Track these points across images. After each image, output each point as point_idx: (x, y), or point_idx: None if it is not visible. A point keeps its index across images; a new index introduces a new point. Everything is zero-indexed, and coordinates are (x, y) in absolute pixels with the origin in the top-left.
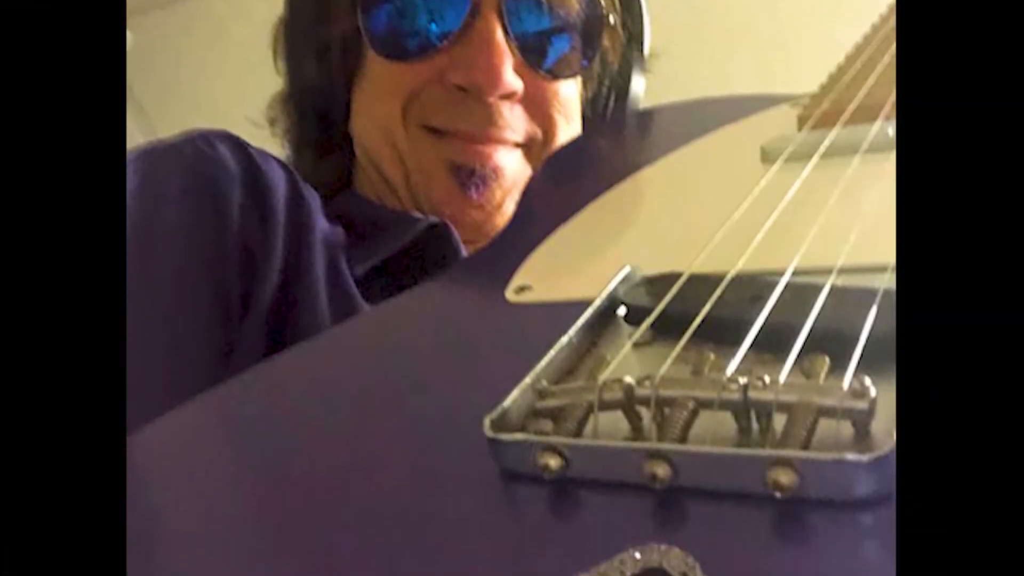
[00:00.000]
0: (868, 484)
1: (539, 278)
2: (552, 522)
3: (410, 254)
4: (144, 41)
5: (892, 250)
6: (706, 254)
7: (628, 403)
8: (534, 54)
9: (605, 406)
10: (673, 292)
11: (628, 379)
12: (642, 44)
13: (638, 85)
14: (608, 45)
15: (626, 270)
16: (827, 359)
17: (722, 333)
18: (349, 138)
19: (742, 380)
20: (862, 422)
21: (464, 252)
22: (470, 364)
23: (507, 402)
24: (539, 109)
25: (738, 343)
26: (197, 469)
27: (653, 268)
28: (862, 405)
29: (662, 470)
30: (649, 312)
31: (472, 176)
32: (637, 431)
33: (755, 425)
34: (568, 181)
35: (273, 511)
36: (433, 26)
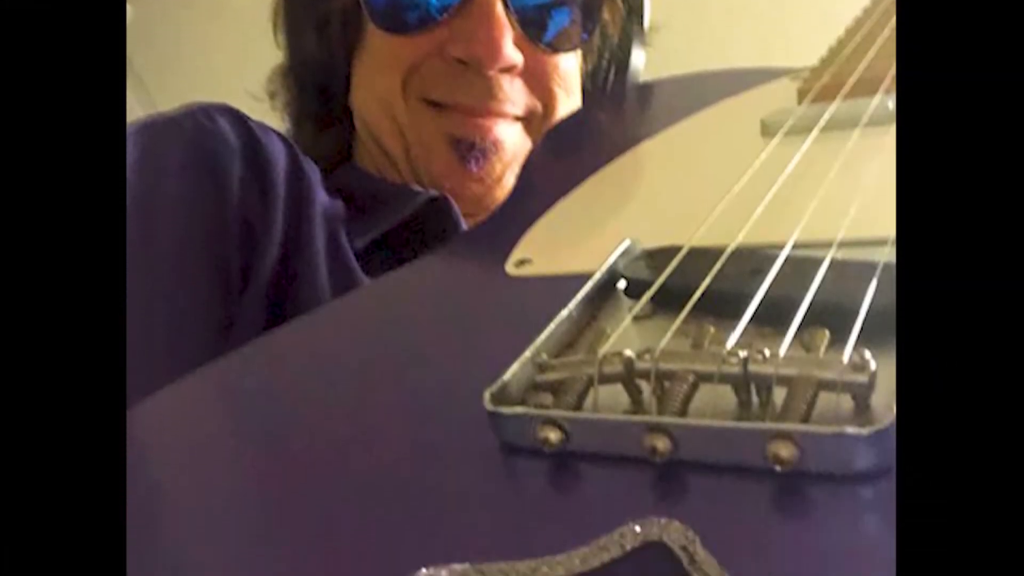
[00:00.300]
0: (868, 457)
1: (539, 251)
2: (552, 496)
3: (410, 227)
4: (144, 14)
5: (892, 223)
6: (706, 227)
7: (628, 376)
8: (534, 27)
9: (605, 379)
10: (673, 265)
11: (628, 352)
12: (642, 17)
13: (638, 58)
14: (608, 18)
15: (626, 243)
16: (827, 332)
17: (722, 306)
18: (349, 111)
19: (742, 353)
20: (862, 395)
21: (464, 225)
22: (470, 337)
23: (507, 375)
24: (539, 82)
25: (738, 316)
26: (197, 442)
27: (653, 241)
28: (862, 378)
29: (662, 443)
30: (649, 285)
31: (472, 149)
32: (637, 404)
33: (755, 399)
34: (568, 154)
35: (273, 484)
36: None
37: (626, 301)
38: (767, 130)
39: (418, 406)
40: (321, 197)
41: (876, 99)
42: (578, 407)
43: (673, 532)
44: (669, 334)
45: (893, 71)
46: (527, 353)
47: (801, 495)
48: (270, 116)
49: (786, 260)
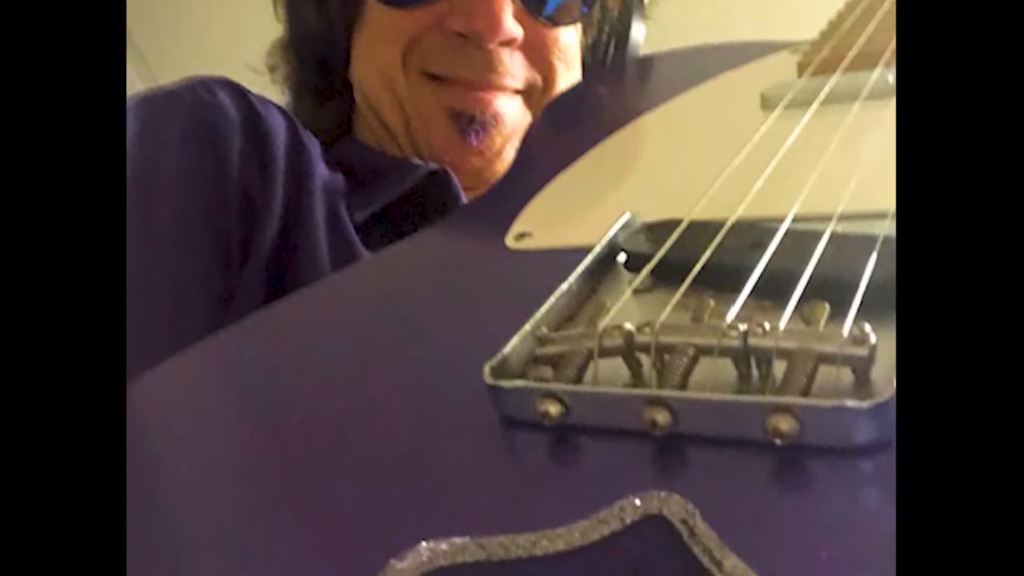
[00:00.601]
0: (868, 431)
1: (539, 225)
2: (552, 469)
3: (410, 201)
4: None
5: (892, 196)
6: (706, 201)
7: (628, 350)
8: (534, 1)
9: (605, 353)
10: (673, 239)
11: (628, 326)
12: None
13: (638, 32)
14: None
15: (626, 217)
16: (827, 306)
17: (722, 280)
18: (349, 84)
19: (742, 327)
20: (862, 369)
21: (464, 199)
22: (470, 311)
23: (507, 349)
24: (539, 56)
25: (738, 290)
26: (197, 416)
27: (653, 215)
28: (862, 352)
29: (662, 417)
30: (649, 259)
31: (472, 123)
32: (637, 378)
33: (755, 372)
34: (568, 128)
35: (273, 457)
36: None
37: (626, 274)
38: (767, 103)
39: (418, 379)
40: (321, 170)
41: (876, 72)
42: (578, 380)
43: (673, 505)
44: (669, 307)
45: (893, 45)
46: (527, 326)
47: (801, 468)
48: (270, 89)
49: (786, 233)
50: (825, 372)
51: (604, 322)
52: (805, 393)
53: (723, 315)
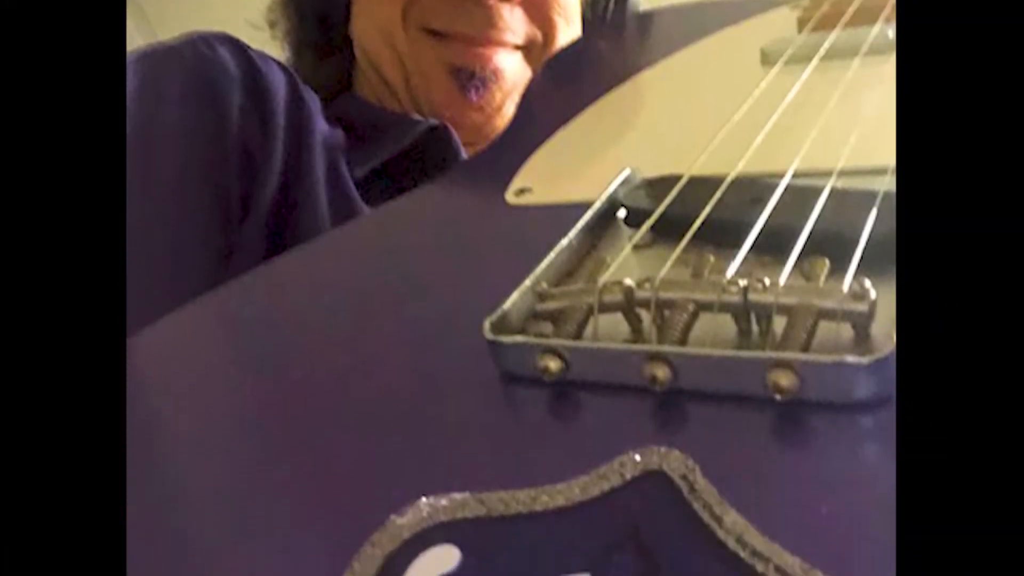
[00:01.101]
0: (868, 386)
1: (539, 180)
2: (552, 424)
3: (410, 156)
4: None
5: (892, 152)
6: (706, 156)
7: (628, 305)
8: None
9: (605, 308)
10: (673, 194)
11: (628, 281)
12: None
13: None
14: None
15: (626, 172)
16: (827, 261)
17: (722, 235)
18: (349, 40)
19: (742, 282)
20: (862, 324)
21: (464, 154)
22: (470, 266)
23: (507, 304)
24: (539, 11)
25: (738, 245)
26: (197, 372)
27: (653, 170)
28: (862, 307)
29: (662, 372)
30: (649, 214)
31: (472, 78)
32: (637, 333)
33: (755, 327)
34: (568, 83)
35: (273, 413)
36: None
37: (626, 230)
38: (767, 59)
39: (418, 335)
40: (321, 126)
41: (876, 28)
42: (578, 336)
43: (673, 461)
44: (669, 263)
45: (893, 0)
46: (527, 282)
47: (801, 424)
48: (270, 45)
49: (786, 189)
50: (825, 328)
51: (604, 278)
52: (805, 348)
53: (723, 271)
